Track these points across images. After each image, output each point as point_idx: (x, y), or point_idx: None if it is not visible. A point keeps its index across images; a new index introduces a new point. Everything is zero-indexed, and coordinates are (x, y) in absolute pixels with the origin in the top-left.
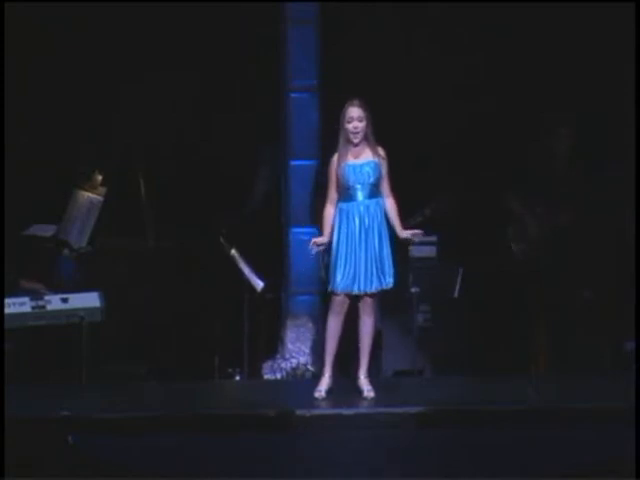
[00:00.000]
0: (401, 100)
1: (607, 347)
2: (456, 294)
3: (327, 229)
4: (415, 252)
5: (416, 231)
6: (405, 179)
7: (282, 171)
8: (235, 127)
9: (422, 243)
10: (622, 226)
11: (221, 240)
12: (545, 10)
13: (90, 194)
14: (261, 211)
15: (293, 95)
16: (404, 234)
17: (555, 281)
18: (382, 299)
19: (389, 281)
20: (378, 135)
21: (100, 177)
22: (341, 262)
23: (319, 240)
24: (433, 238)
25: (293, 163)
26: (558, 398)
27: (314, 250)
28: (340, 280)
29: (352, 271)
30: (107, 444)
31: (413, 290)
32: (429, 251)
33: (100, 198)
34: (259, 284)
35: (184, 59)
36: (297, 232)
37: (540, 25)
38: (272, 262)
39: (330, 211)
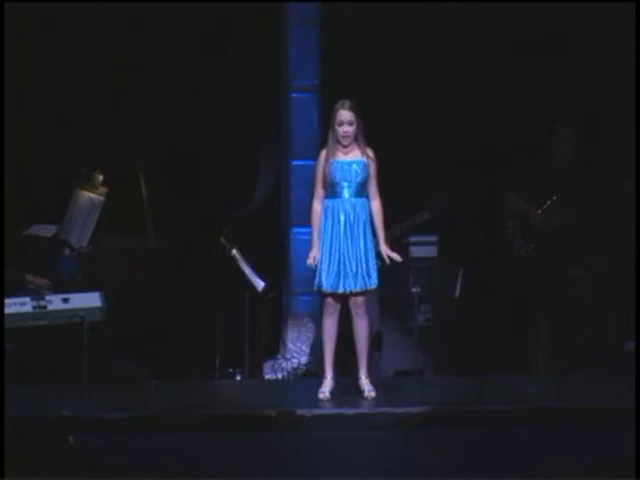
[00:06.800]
0: (401, 100)
1: (607, 347)
2: (457, 294)
3: (316, 232)
4: (415, 252)
5: (395, 255)
6: (405, 179)
7: (282, 171)
8: (235, 127)
9: (422, 243)
10: (622, 225)
11: (222, 240)
12: (545, 10)
13: (91, 194)
14: (261, 211)
15: (293, 95)
16: (382, 248)
17: (555, 281)
18: (382, 299)
19: (374, 281)
20: (378, 135)
21: (101, 177)
22: (326, 260)
23: (313, 255)
24: (433, 238)
25: (293, 163)
26: (558, 398)
27: (314, 266)
28: (326, 279)
29: (337, 269)
30: (107, 444)
31: (413, 290)
32: (429, 251)
33: (101, 198)
34: (260, 284)
35: (185, 59)
36: (297, 232)
37: (539, 24)
38: (272, 262)
39: (318, 209)
